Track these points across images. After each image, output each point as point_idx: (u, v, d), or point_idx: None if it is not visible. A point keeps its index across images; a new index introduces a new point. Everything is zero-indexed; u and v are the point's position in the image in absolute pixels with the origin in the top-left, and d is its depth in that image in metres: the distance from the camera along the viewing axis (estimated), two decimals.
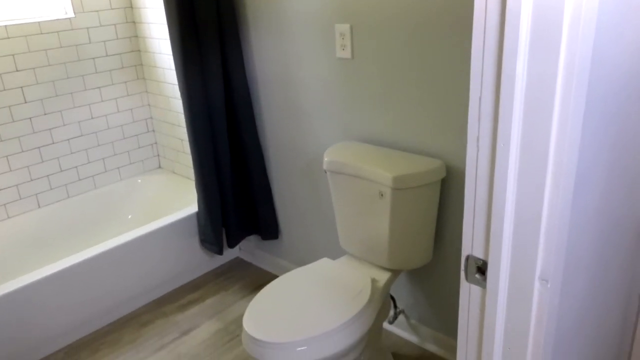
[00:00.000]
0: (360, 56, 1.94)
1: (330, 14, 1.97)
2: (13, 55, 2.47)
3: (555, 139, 0.80)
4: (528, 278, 0.89)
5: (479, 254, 0.94)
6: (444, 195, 1.87)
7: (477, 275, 0.96)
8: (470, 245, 0.95)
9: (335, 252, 2.39)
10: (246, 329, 1.62)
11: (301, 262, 2.58)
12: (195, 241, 2.65)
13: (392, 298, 2.17)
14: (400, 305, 2.23)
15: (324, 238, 2.41)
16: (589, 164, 0.90)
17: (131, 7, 2.82)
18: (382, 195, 1.77)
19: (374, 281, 1.83)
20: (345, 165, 1.85)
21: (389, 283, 1.88)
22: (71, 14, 2.64)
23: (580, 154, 0.85)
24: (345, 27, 1.94)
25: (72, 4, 2.62)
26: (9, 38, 2.44)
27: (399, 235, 1.82)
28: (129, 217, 2.98)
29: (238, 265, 2.83)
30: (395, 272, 1.92)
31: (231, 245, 2.60)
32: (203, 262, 2.73)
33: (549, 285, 0.88)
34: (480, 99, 0.84)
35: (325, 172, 2.11)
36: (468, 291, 0.99)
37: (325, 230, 2.38)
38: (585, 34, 0.74)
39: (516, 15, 0.75)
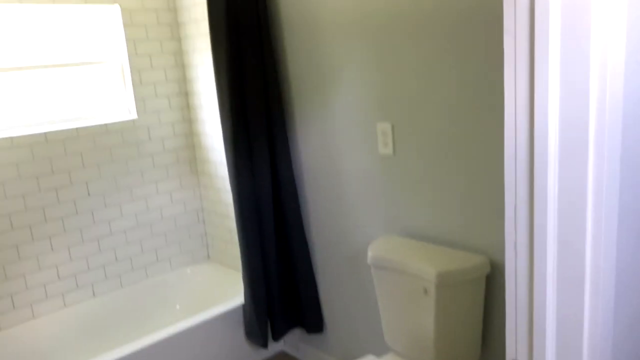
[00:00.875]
0: (401, 152, 2.01)
1: (372, 113, 2.08)
2: (81, 153, 2.69)
3: (590, 244, 0.82)
4: None
5: (522, 358, 0.94)
6: (490, 291, 1.84)
7: None
8: (514, 349, 0.95)
9: (381, 348, 2.35)
10: None
11: (346, 358, 2.53)
12: (240, 333, 2.66)
13: None
14: None
15: (369, 333, 2.38)
16: (631, 267, 0.90)
17: (188, 107, 3.05)
18: (426, 291, 1.77)
19: None
20: (389, 260, 1.87)
21: None
22: (134, 115, 2.87)
23: (619, 257, 0.86)
24: (386, 126, 2.03)
25: (136, 105, 2.86)
26: (78, 137, 2.67)
27: (445, 332, 1.79)
28: (177, 307, 3.04)
29: (282, 359, 2.80)
30: None
31: (276, 338, 2.60)
32: (248, 354, 2.72)
33: None
34: (515, 208, 0.88)
35: (370, 266, 2.13)
36: None
37: (371, 325, 2.36)
38: (611, 146, 0.78)
39: (544, 132, 0.80)
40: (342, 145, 2.25)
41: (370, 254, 1.94)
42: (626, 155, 0.83)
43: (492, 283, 1.83)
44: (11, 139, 2.48)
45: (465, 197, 1.84)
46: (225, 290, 2.95)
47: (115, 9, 2.76)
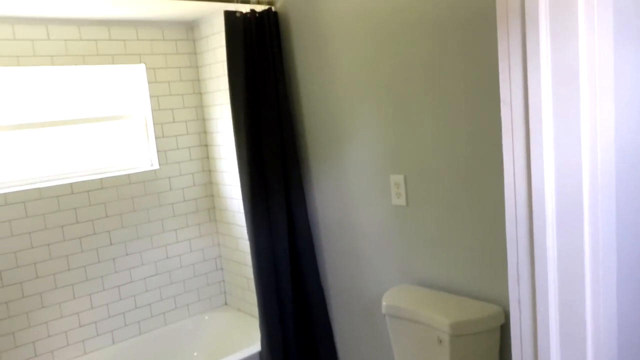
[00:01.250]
0: (414, 203, 2.07)
1: (385, 166, 2.16)
2: (104, 203, 2.79)
3: (590, 301, 0.86)
4: None
5: None
6: (504, 342, 1.86)
7: None
8: None
9: None
10: None
11: None
12: None
13: None
14: None
15: None
16: (632, 328, 0.94)
17: (207, 158, 3.16)
18: (440, 341, 1.79)
19: None
20: (403, 310, 1.90)
21: None
22: (156, 166, 2.99)
23: (620, 312, 0.90)
24: (399, 178, 2.10)
25: (158, 157, 2.98)
26: (102, 188, 2.78)
27: None
28: (195, 354, 3.07)
29: None
30: None
31: None
32: None
33: None
34: (517, 266, 0.93)
35: (384, 316, 2.15)
36: None
37: None
38: (605, 207, 0.83)
39: (541, 196, 0.86)
40: (356, 196, 2.32)
41: (384, 303, 1.97)
42: (622, 213, 0.88)
43: (506, 333, 1.85)
44: (39, 190, 2.59)
45: (479, 247, 1.89)
46: (242, 336, 2.97)
47: (141, 67, 2.92)
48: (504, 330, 1.85)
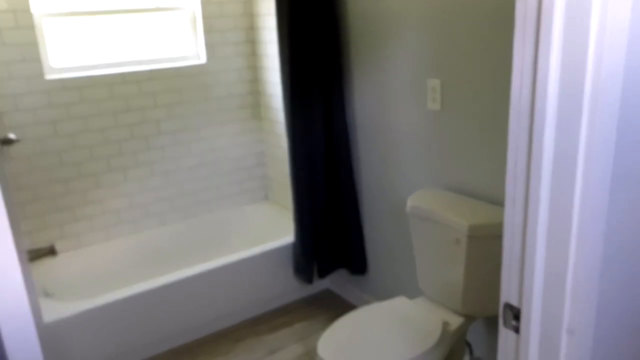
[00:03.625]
0: (448, 109, 2.07)
1: (423, 70, 2.13)
2: (154, 93, 2.92)
3: (579, 199, 0.88)
4: (556, 329, 0.97)
5: (514, 302, 1.03)
6: None
7: (513, 322, 1.05)
8: (508, 293, 1.05)
9: (417, 292, 2.48)
10: (319, 353, 1.78)
11: (385, 299, 2.68)
12: (289, 269, 2.87)
13: (469, 344, 2.20)
14: (477, 353, 2.25)
15: (408, 277, 2.52)
16: (619, 222, 0.96)
17: (254, 55, 3.19)
18: (458, 241, 1.86)
19: (445, 324, 1.91)
20: (425, 211, 1.97)
21: (462, 328, 1.94)
22: (204, 60, 3.05)
23: (610, 213, 0.92)
24: (436, 82, 2.08)
25: (206, 51, 3.03)
26: (152, 80, 2.90)
27: (474, 281, 1.88)
28: (236, 241, 3.30)
29: (328, 296, 3.00)
30: (469, 318, 1.98)
31: (321, 275, 2.79)
32: (296, 289, 2.94)
33: (575, 338, 0.95)
34: (515, 163, 0.96)
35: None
36: (505, 337, 1.08)
37: (409, 270, 2.49)
38: (605, 113, 0.84)
39: (544, 95, 0.87)
40: (393, 99, 2.32)
41: (409, 203, 2.04)
42: (624, 120, 0.88)
43: None
44: (93, 77, 2.73)
45: (505, 154, 1.89)
46: (279, 228, 3.16)
47: None
48: None
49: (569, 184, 0.88)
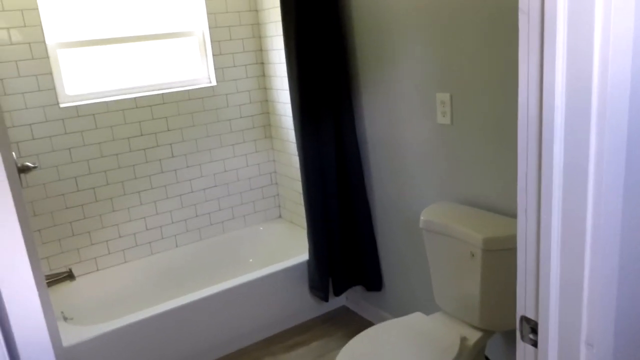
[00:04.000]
0: (459, 122, 2.07)
1: (432, 84, 2.14)
2: (166, 117, 2.96)
3: (592, 208, 0.88)
4: (574, 342, 0.95)
5: (531, 315, 1.02)
6: None
7: (530, 336, 1.04)
8: (524, 306, 1.04)
9: (433, 307, 2.46)
10: None
11: (401, 315, 2.66)
12: (305, 287, 2.86)
13: (488, 359, 2.17)
14: None
15: (424, 293, 2.50)
16: (634, 230, 0.95)
17: (263, 75, 3.23)
18: (473, 255, 1.85)
19: (463, 339, 1.89)
20: (439, 225, 1.96)
21: (480, 343, 1.92)
22: (214, 83, 3.10)
23: (624, 221, 0.91)
24: (445, 96, 2.09)
25: (216, 74, 3.08)
26: (164, 104, 2.94)
27: (490, 295, 1.86)
28: (250, 260, 3.30)
29: (344, 313, 2.98)
30: (487, 333, 1.95)
31: (337, 293, 2.78)
32: (311, 307, 2.93)
33: (594, 351, 0.93)
34: (526, 174, 0.96)
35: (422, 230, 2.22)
36: (523, 351, 1.06)
37: (425, 285, 2.47)
38: (613, 122, 0.84)
39: (551, 109, 0.87)
40: (403, 114, 2.33)
41: (422, 218, 2.03)
42: (633, 126, 0.88)
43: None
44: (106, 103, 2.78)
45: (517, 167, 1.88)
46: (293, 247, 3.16)
47: None
48: None
49: (581, 194, 0.88)
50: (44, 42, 2.58)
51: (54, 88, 2.64)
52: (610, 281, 0.92)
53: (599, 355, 0.94)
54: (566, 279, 0.94)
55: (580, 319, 0.93)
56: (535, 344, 1.03)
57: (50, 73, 2.62)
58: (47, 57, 2.61)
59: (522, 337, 1.06)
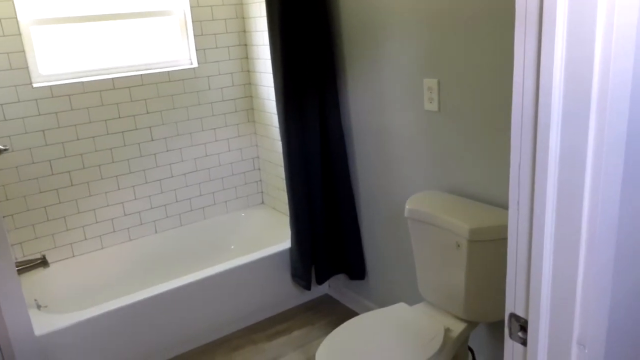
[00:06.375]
0: (446, 109, 2.01)
1: (419, 69, 2.08)
2: (145, 100, 2.86)
3: (588, 201, 0.83)
4: (566, 341, 0.91)
5: (520, 312, 0.98)
6: None
7: (519, 334, 0.99)
8: (513, 303, 0.99)
9: (416, 297, 2.42)
10: None
11: (385, 305, 2.63)
12: (287, 275, 2.81)
13: (471, 350, 2.14)
14: (479, 358, 2.19)
15: (407, 283, 2.46)
16: (632, 226, 0.91)
17: (247, 57, 3.14)
18: (458, 245, 1.81)
19: (448, 330, 1.85)
20: (425, 214, 1.91)
21: (464, 334, 1.89)
22: (195, 64, 3.00)
23: (621, 217, 0.87)
24: (433, 82, 2.03)
25: (197, 55, 2.98)
26: (143, 85, 2.84)
27: (475, 286, 1.83)
28: (232, 247, 3.24)
29: (327, 301, 2.94)
30: (472, 324, 1.92)
31: (319, 281, 2.73)
32: (293, 295, 2.88)
33: (586, 351, 0.89)
34: (519, 166, 0.90)
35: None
36: (512, 349, 1.02)
37: (408, 275, 2.43)
38: (614, 109, 0.78)
39: (548, 93, 0.82)
40: (389, 100, 2.27)
41: (407, 207, 1.98)
42: (634, 119, 0.83)
43: None
44: (82, 84, 2.67)
45: (506, 155, 1.83)
46: (276, 234, 3.10)
47: None
48: None
49: (577, 187, 0.83)
50: (15, 18, 2.46)
51: (26, 67, 2.53)
52: (605, 279, 0.88)
53: (591, 356, 0.90)
54: (559, 275, 0.89)
55: (573, 318, 0.89)
56: (524, 342, 0.98)
57: (23, 51, 2.51)
58: (20, 34, 2.49)
59: (511, 335, 1.01)
